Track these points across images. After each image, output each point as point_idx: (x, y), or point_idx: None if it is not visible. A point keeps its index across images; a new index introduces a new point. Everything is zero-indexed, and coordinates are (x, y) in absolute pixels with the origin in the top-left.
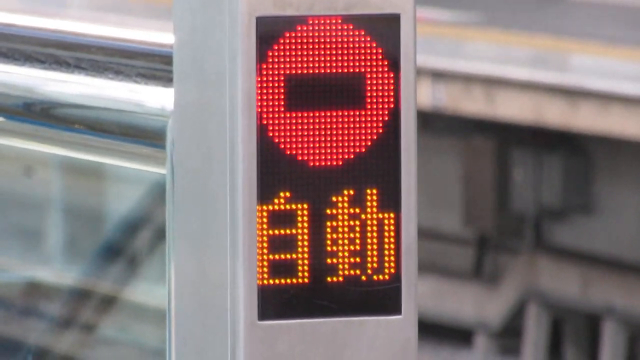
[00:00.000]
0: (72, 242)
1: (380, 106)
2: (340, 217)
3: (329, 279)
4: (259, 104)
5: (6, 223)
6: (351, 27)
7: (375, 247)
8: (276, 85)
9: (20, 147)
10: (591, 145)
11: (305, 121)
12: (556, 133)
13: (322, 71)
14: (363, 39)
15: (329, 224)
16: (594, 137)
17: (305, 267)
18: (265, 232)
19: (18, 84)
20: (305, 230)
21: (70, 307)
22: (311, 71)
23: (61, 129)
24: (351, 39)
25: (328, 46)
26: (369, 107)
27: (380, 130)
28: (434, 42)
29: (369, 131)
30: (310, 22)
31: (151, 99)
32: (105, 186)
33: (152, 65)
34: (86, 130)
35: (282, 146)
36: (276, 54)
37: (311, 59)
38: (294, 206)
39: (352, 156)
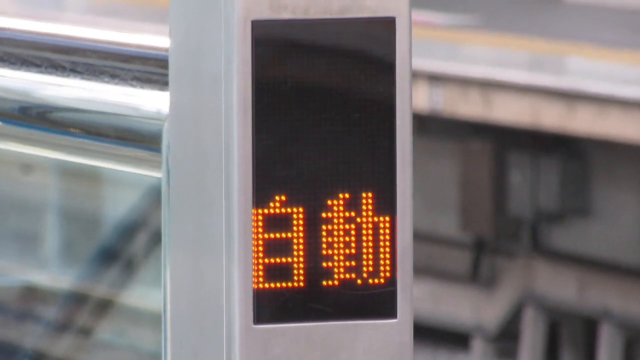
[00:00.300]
0: (67, 246)
1: (376, 109)
2: (335, 220)
3: (324, 282)
4: (255, 107)
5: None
6: (346, 30)
7: (370, 250)
8: (271, 88)
9: (16, 150)
10: (588, 148)
11: (301, 125)
12: (553, 136)
13: (318, 75)
14: (358, 43)
15: (324, 227)
16: (591, 141)
17: (301, 271)
18: (260, 236)
19: (14, 88)
20: (301, 234)
21: (67, 310)
22: (306, 75)
23: (57, 132)
24: (346, 42)
25: (323, 49)
26: (364, 110)
27: (376, 134)
28: (431, 45)
29: (365, 134)
30: (306, 25)
31: (147, 102)
32: (101, 189)
33: (148, 69)
34: (82, 134)
35: (278, 149)
36: (272, 57)
37: (306, 62)
38: (289, 210)
39: (347, 160)
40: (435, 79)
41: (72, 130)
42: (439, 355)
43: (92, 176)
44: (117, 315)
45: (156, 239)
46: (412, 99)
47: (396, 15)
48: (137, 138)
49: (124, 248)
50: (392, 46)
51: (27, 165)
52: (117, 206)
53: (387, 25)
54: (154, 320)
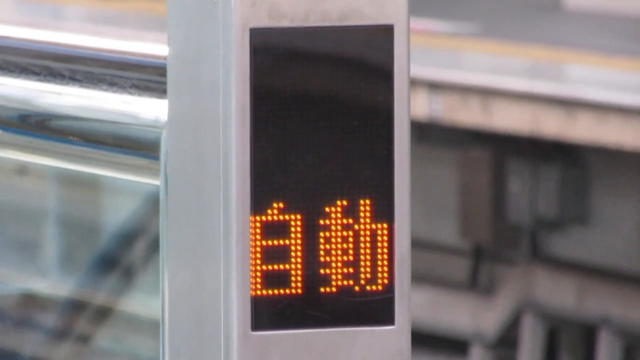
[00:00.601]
0: (66, 254)
1: (374, 117)
2: (333, 227)
3: (322, 289)
4: (253, 115)
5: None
6: (345, 38)
7: (368, 257)
8: (270, 96)
9: (16, 158)
10: (588, 156)
11: (299, 132)
12: (553, 144)
13: (316, 82)
14: (357, 50)
15: (322, 234)
16: (590, 148)
17: (299, 278)
18: (258, 243)
19: (13, 96)
20: (299, 241)
21: (66, 318)
22: (305, 82)
23: (56, 140)
24: (345, 50)
25: (322, 57)
26: (362, 117)
27: (374, 141)
28: (431, 53)
29: (363, 142)
30: (304, 33)
31: (145, 110)
32: (100, 197)
33: (147, 77)
34: (81, 142)
35: (276, 157)
36: (270, 65)
37: (305, 70)
38: (287, 217)
39: (345, 167)
40: (434, 86)
41: (70, 138)
42: None
43: (90, 184)
44: (116, 322)
45: (155, 246)
46: (410, 106)
47: (394, 22)
48: (136, 146)
49: (122, 255)
50: (390, 54)
51: (22, 168)
52: (116, 214)
53: (386, 32)
54: (153, 327)
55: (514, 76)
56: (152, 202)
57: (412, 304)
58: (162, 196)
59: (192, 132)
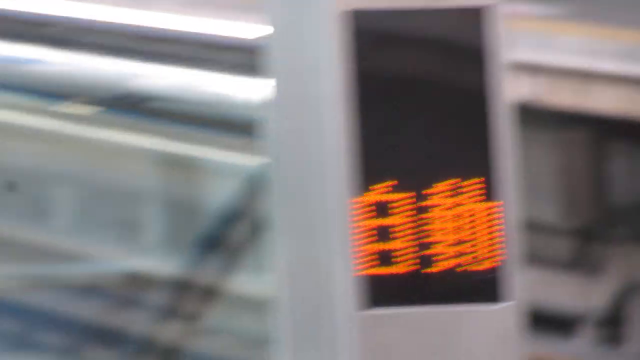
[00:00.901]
0: (170, 234)
1: (477, 99)
2: (440, 207)
3: (430, 268)
4: (356, 96)
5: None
6: (446, 20)
7: (476, 236)
8: (372, 78)
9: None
10: None
11: (404, 113)
12: None
13: (418, 64)
14: (458, 32)
15: (429, 214)
16: None
17: (407, 257)
18: (366, 222)
19: (110, 78)
20: (406, 220)
21: (173, 297)
22: (407, 64)
23: (155, 121)
24: (446, 32)
25: (422, 39)
26: (466, 99)
27: (477, 122)
28: (529, 36)
29: (466, 123)
30: (404, 15)
31: (243, 91)
32: (200, 177)
33: (245, 58)
34: (180, 122)
35: (380, 138)
36: (371, 47)
37: (406, 52)
38: (395, 196)
39: (452, 147)
40: (534, 69)
41: (171, 118)
42: (545, 341)
43: (192, 164)
44: (222, 301)
45: (255, 226)
46: (507, 87)
47: (495, 3)
48: (235, 126)
49: (224, 236)
50: (486, 35)
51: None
52: (216, 194)
53: (485, 14)
54: (258, 305)
55: (610, 59)
56: (253, 182)
57: (521, 282)
58: (268, 176)
59: (296, 112)
